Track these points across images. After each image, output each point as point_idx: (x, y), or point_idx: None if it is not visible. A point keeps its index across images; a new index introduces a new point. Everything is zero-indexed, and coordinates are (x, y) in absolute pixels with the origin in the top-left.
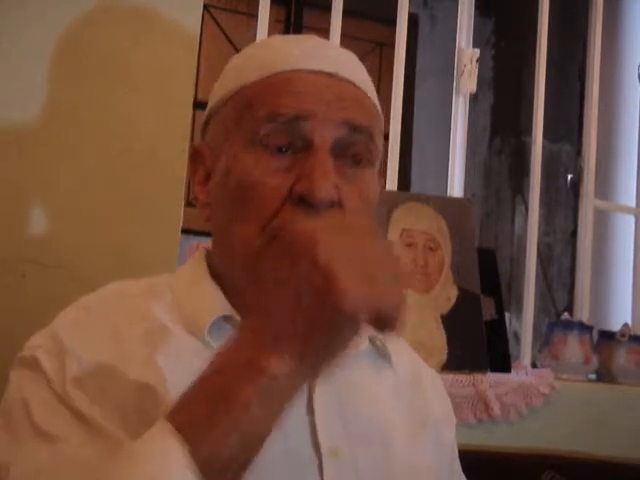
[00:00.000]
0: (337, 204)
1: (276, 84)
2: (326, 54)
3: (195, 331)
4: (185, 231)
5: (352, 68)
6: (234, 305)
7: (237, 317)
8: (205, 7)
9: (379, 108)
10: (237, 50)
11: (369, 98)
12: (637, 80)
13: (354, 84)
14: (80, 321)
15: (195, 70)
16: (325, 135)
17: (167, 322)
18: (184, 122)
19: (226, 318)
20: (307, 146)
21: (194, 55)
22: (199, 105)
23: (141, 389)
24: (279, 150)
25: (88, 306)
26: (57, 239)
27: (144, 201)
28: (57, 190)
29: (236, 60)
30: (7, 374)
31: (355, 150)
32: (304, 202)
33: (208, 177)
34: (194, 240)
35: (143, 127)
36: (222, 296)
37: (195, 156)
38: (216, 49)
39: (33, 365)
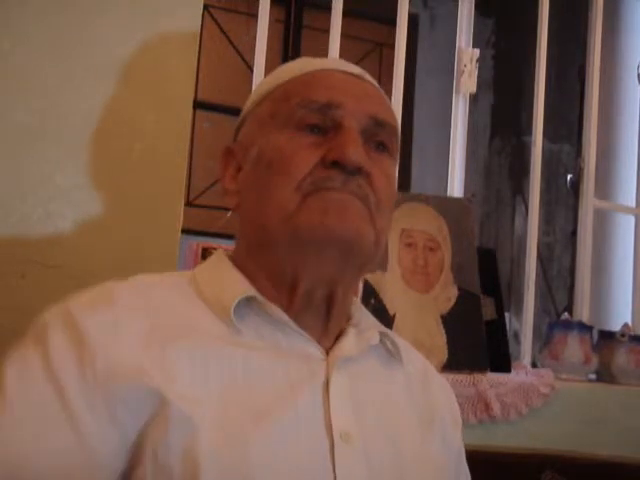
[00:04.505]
0: (365, 173)
1: (310, 79)
2: (352, 65)
3: (220, 314)
4: (185, 231)
5: (373, 80)
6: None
7: (261, 298)
8: (205, 7)
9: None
10: (237, 50)
11: (389, 103)
12: (637, 80)
13: (377, 88)
14: (97, 305)
15: (195, 70)
16: (353, 122)
17: (190, 309)
18: (184, 122)
19: (250, 300)
20: (336, 127)
21: (194, 55)
22: (199, 105)
23: (160, 379)
24: (311, 130)
25: (106, 293)
26: (57, 239)
27: (144, 201)
28: (57, 189)
29: (270, 73)
30: None
31: (379, 139)
32: (336, 166)
33: (239, 170)
34: (194, 240)
35: (143, 127)
36: (246, 281)
37: (226, 154)
38: (216, 49)
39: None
